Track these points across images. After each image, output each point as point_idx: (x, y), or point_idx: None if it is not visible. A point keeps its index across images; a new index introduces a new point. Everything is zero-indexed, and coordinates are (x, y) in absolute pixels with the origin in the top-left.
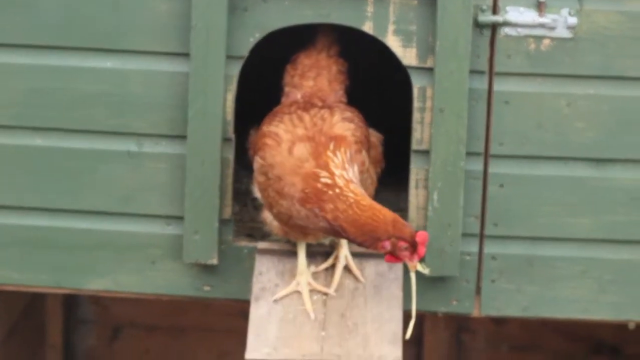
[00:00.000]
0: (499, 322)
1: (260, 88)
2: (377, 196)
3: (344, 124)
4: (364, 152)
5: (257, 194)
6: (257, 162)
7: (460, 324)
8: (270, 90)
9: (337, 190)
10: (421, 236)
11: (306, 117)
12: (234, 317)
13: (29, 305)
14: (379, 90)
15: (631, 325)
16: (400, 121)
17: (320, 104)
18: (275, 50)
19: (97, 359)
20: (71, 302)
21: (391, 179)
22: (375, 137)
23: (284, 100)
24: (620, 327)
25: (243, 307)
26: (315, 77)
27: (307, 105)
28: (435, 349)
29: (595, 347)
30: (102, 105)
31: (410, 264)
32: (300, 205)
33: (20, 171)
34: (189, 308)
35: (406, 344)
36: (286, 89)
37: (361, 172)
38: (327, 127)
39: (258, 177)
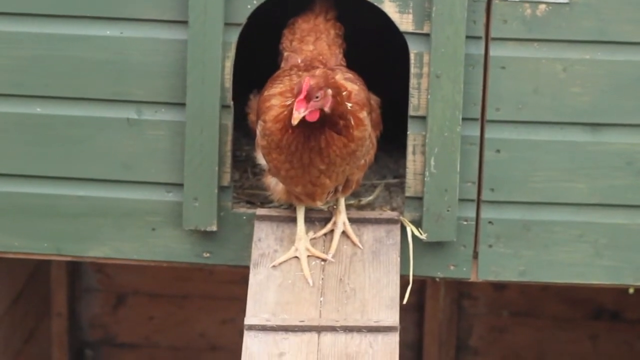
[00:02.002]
0: (499, 288)
1: (258, 54)
2: (377, 162)
3: (347, 83)
4: (365, 114)
5: (261, 160)
6: (261, 126)
7: (460, 290)
8: (268, 56)
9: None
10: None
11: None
12: (236, 285)
13: (34, 274)
14: (380, 58)
15: (630, 290)
16: (401, 88)
17: (321, 67)
18: (274, 17)
19: (102, 326)
20: (75, 270)
21: (391, 145)
22: (374, 100)
23: (283, 65)
24: (620, 292)
25: (245, 274)
26: (315, 41)
27: (308, 68)
28: (436, 314)
29: (595, 312)
30: (102, 73)
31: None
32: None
33: (20, 139)
34: (192, 276)
35: (407, 310)
36: (285, 53)
37: (362, 139)
38: None
39: (261, 141)
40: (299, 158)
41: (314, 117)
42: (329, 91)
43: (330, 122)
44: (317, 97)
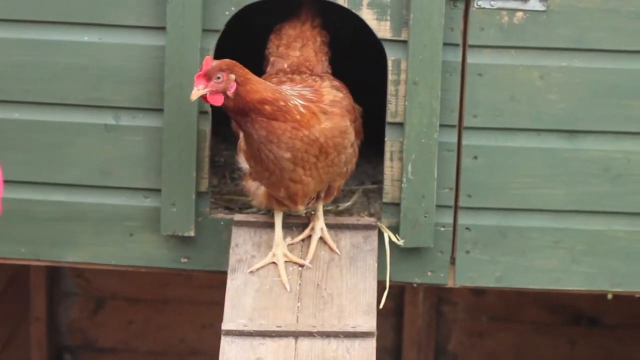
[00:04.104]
0: (478, 293)
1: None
2: (357, 168)
3: (332, 90)
4: (349, 122)
5: (242, 163)
6: None
7: (440, 296)
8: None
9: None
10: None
11: (297, 77)
12: (215, 290)
13: (13, 278)
14: (358, 65)
15: (609, 296)
16: (379, 95)
17: (308, 72)
18: (253, 23)
19: (81, 331)
20: (54, 275)
21: (370, 151)
22: (356, 109)
23: (269, 69)
24: (598, 298)
25: (224, 279)
26: (302, 47)
27: (294, 72)
28: (415, 320)
29: (574, 318)
30: (80, 78)
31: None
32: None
33: None
34: (172, 281)
35: (386, 315)
36: (271, 58)
37: (345, 148)
38: (316, 86)
39: (243, 145)
40: (265, 153)
41: (217, 101)
42: (232, 76)
43: (253, 110)
44: (218, 78)
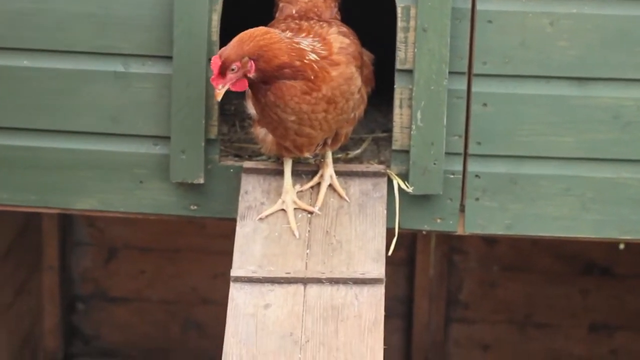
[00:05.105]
0: (490, 242)
1: (254, 12)
2: (366, 116)
3: (339, 36)
4: (354, 68)
5: (250, 109)
6: None
7: (451, 245)
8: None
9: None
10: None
11: (305, 24)
12: (227, 239)
13: (25, 227)
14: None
15: (621, 246)
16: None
17: (316, 18)
18: None
19: (93, 280)
20: (67, 224)
21: (380, 99)
22: (367, 56)
23: (278, 15)
24: (610, 248)
25: (236, 228)
26: None
27: (302, 18)
28: (427, 269)
29: (586, 267)
30: (89, 26)
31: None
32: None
33: (7, 92)
34: (183, 230)
35: (398, 264)
36: (280, 4)
37: (352, 93)
38: (324, 32)
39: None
40: (269, 114)
41: (242, 87)
42: (245, 58)
43: (275, 77)
44: (233, 70)
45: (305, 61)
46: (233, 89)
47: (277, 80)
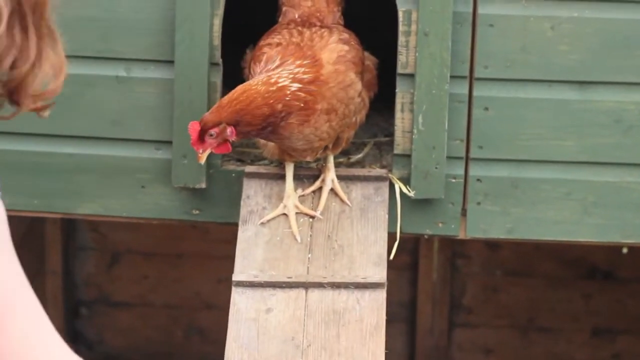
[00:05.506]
0: (493, 247)
1: (258, 16)
2: (369, 120)
3: (338, 45)
4: (353, 74)
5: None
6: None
7: (454, 250)
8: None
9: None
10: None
11: (307, 32)
12: (230, 244)
13: (28, 232)
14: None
15: (624, 250)
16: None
17: (318, 24)
18: None
19: (96, 285)
20: (70, 229)
21: (382, 104)
22: (370, 60)
23: (281, 19)
24: (613, 252)
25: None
26: None
27: (305, 23)
28: (430, 274)
29: (589, 272)
30: (91, 30)
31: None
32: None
33: None
34: (187, 235)
35: (401, 269)
36: (284, 8)
37: (352, 98)
38: (319, 46)
39: None
40: (277, 145)
41: (226, 149)
42: (223, 125)
43: (265, 128)
44: (211, 135)
45: (287, 98)
46: (217, 152)
47: (269, 127)
